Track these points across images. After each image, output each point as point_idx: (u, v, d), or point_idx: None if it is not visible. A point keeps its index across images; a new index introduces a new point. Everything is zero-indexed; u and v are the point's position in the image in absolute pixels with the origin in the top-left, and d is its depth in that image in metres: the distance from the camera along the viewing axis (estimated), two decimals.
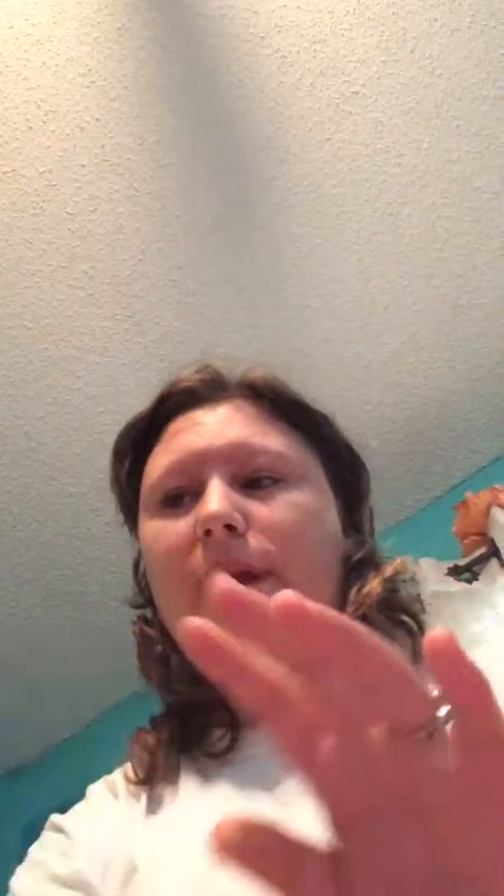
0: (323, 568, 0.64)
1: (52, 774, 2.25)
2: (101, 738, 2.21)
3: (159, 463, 0.66)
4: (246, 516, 0.61)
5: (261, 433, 0.66)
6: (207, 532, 0.59)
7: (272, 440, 0.65)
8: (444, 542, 1.72)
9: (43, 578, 1.99)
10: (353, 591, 0.63)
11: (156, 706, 0.67)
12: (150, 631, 0.67)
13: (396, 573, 0.65)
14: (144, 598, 0.71)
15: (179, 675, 0.64)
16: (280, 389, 0.70)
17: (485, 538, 1.65)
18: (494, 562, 1.61)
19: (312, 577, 0.62)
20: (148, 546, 0.66)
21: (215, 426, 0.66)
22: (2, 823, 2.18)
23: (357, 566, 0.66)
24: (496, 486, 1.70)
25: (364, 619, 0.61)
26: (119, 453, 0.73)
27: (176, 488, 0.64)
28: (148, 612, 0.70)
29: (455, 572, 1.63)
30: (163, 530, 0.63)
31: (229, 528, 0.59)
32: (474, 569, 1.64)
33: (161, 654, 0.65)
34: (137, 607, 0.71)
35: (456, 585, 1.60)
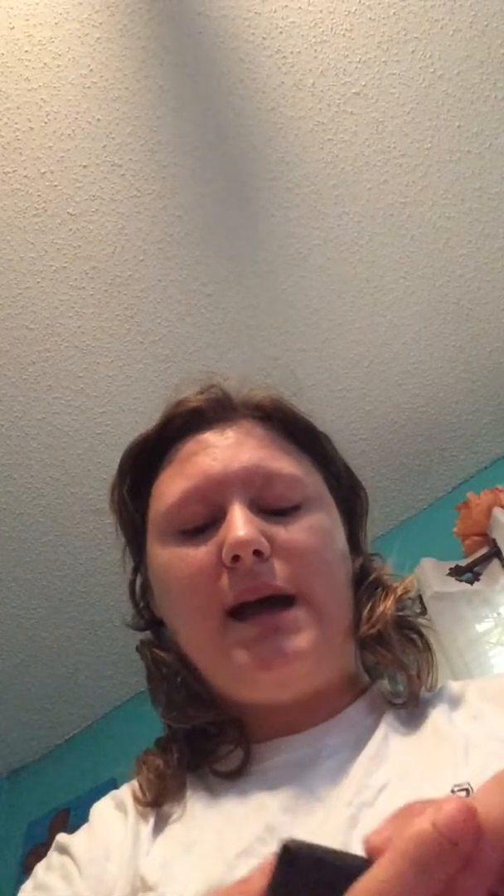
0: (341, 588, 0.65)
1: (54, 774, 2.25)
2: (102, 739, 2.21)
3: (174, 488, 0.65)
4: (269, 540, 0.60)
5: (273, 456, 0.65)
6: (235, 558, 0.59)
7: (285, 463, 0.66)
8: (446, 542, 1.72)
9: (45, 579, 1.99)
10: (367, 609, 0.64)
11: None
12: (161, 654, 0.65)
13: (405, 592, 0.66)
14: (145, 620, 0.70)
15: (192, 700, 0.63)
16: (287, 411, 0.70)
17: (486, 538, 1.65)
18: (496, 562, 1.62)
19: (335, 598, 0.63)
20: (163, 573, 0.64)
21: (228, 449, 0.65)
22: (4, 823, 2.18)
23: (368, 585, 0.67)
24: (498, 486, 1.70)
25: (379, 636, 0.63)
26: (123, 475, 0.71)
27: (193, 514, 0.63)
28: (150, 635, 0.69)
29: (456, 573, 1.63)
30: (182, 558, 0.62)
31: (256, 553, 0.59)
32: (476, 569, 1.64)
33: (173, 676, 0.64)
34: (139, 629, 0.70)
35: (457, 586, 1.60)
